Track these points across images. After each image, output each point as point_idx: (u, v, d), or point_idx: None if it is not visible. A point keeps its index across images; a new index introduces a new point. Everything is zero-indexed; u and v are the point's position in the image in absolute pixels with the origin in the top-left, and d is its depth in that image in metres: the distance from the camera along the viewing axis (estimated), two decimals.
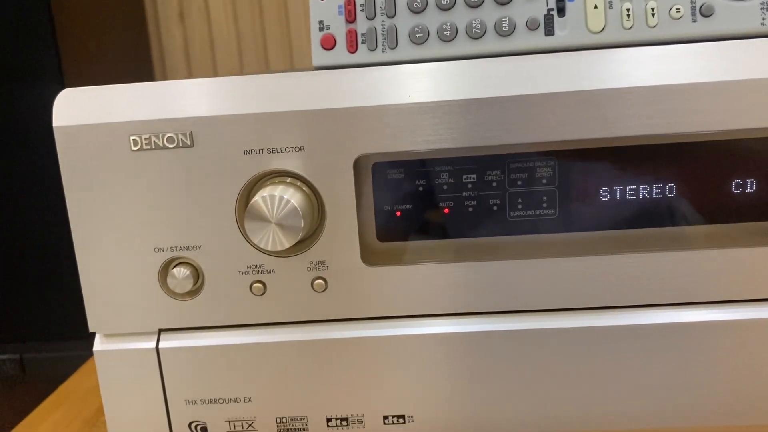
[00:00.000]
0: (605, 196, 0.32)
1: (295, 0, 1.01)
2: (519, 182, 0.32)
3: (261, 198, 0.30)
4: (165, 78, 1.07)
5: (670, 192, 0.32)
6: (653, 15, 0.30)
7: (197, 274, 0.32)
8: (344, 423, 0.34)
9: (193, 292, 0.33)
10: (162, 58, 1.07)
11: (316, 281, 0.32)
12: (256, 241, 0.30)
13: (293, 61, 1.03)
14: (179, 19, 1.06)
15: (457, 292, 0.32)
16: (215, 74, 1.07)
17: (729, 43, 0.29)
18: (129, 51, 0.99)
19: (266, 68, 1.04)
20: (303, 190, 0.31)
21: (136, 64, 1.01)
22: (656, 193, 0.32)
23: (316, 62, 0.32)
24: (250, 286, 0.32)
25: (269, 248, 0.29)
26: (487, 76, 0.30)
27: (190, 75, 1.07)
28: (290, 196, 0.30)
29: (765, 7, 0.30)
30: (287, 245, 0.29)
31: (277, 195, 0.29)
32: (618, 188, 0.32)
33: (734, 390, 0.32)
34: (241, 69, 1.05)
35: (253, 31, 1.04)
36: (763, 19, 0.30)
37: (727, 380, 0.32)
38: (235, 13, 1.04)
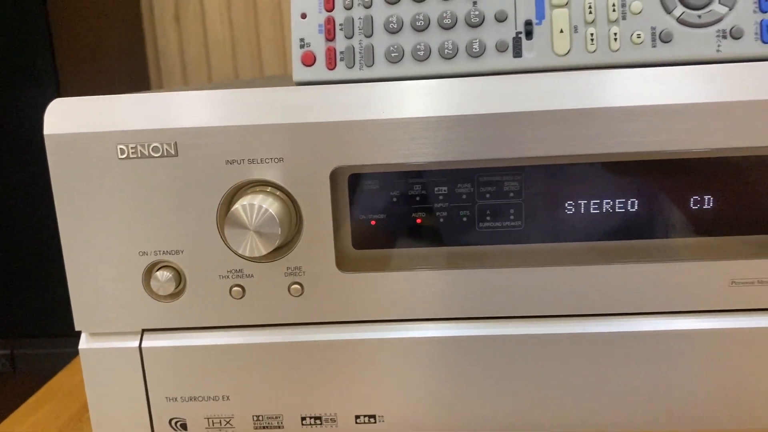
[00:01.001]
0: (570, 210, 0.33)
1: (289, 4, 1.02)
2: (487, 195, 0.34)
3: (241, 206, 0.31)
4: (160, 80, 1.09)
5: (633, 207, 0.34)
6: (616, 40, 0.31)
7: (179, 277, 0.34)
8: (318, 422, 0.36)
9: (175, 295, 0.34)
10: (157, 61, 1.08)
11: (293, 286, 0.34)
12: (234, 247, 0.31)
13: (287, 65, 1.05)
14: (175, 21, 1.07)
15: (428, 298, 0.34)
16: (210, 77, 1.09)
17: (687, 68, 0.31)
18: (125, 54, 1.00)
19: (260, 71, 1.06)
20: (282, 199, 0.32)
21: (132, 67, 1.03)
22: (620, 208, 0.34)
23: (296, 78, 0.33)
24: (230, 290, 0.34)
25: (247, 254, 0.31)
26: (458, 94, 0.32)
27: (185, 77, 1.09)
28: (269, 205, 0.31)
29: (720, 35, 0.31)
30: (264, 252, 0.31)
31: (256, 204, 0.31)
32: (582, 202, 0.34)
33: (708, 395, 0.34)
34: (235, 71, 1.07)
35: (247, 34, 1.05)
36: (719, 46, 0.31)
37: (700, 386, 0.34)
38: (230, 16, 1.06)
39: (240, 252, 0.31)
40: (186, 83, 1.09)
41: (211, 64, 1.08)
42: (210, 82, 1.08)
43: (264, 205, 0.31)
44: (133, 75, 1.03)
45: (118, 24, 0.98)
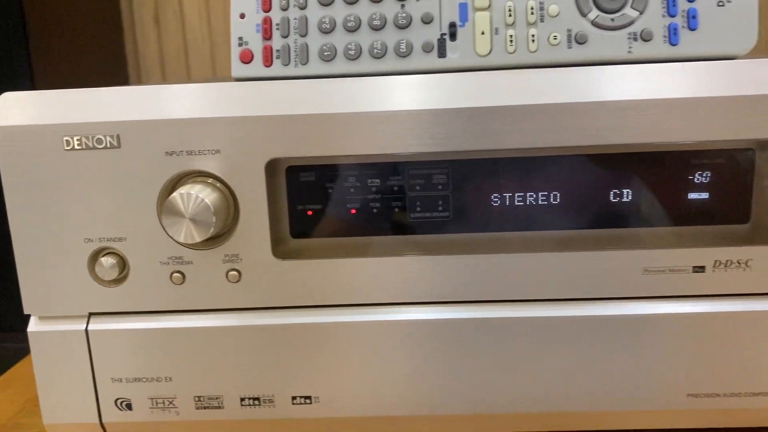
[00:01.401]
0: (496, 202, 0.35)
1: None
2: (417, 187, 0.36)
3: (178, 194, 0.33)
4: (140, 80, 1.10)
5: (555, 199, 0.36)
6: (533, 41, 0.33)
7: (123, 263, 0.36)
8: (256, 402, 0.37)
9: (120, 280, 0.36)
10: (137, 62, 1.10)
11: (231, 272, 0.35)
12: (171, 234, 0.33)
13: None
14: (154, 22, 1.09)
15: (362, 284, 0.36)
16: (189, 77, 1.10)
17: (598, 68, 0.33)
18: (103, 54, 1.01)
19: None
20: (219, 189, 0.34)
21: (111, 67, 1.04)
22: (543, 200, 0.36)
23: (234, 74, 0.35)
24: (171, 276, 0.36)
25: (182, 241, 0.33)
26: (387, 91, 0.34)
27: (164, 78, 1.10)
28: (205, 195, 0.33)
29: (631, 37, 0.33)
30: (198, 239, 0.33)
31: (193, 193, 0.33)
32: (508, 195, 0.36)
33: (624, 377, 0.36)
34: (213, 72, 1.09)
35: (225, 35, 1.07)
36: (630, 47, 0.33)
37: (616, 368, 0.36)
38: (209, 17, 1.07)
39: (175, 238, 0.33)
40: (165, 83, 1.10)
41: (189, 64, 1.10)
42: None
43: (201, 195, 0.33)
44: (112, 75, 1.04)
45: (96, 25, 0.99)
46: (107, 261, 0.35)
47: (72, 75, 0.88)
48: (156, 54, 1.10)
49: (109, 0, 1.04)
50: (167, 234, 0.34)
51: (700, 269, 0.35)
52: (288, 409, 0.37)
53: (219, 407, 0.37)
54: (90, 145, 0.34)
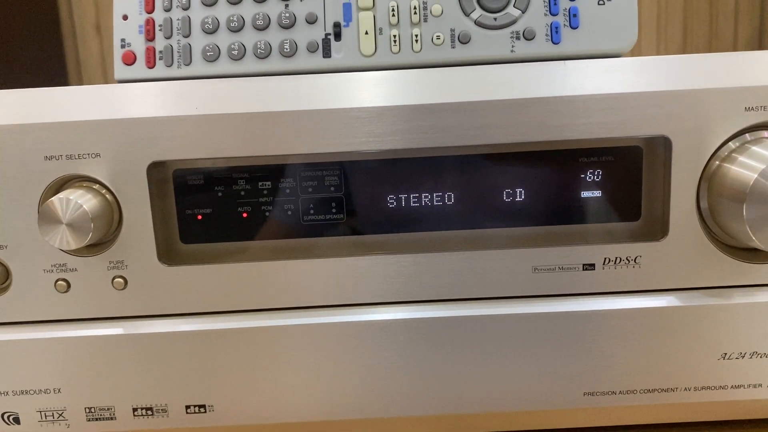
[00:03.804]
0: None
1: None
2: (310, 189, 0.35)
3: (57, 199, 0.32)
4: None
5: (450, 200, 0.36)
6: (417, 41, 0.33)
7: (6, 271, 0.34)
8: (149, 412, 0.36)
9: (2, 290, 0.35)
10: (78, 71, 1.08)
11: (116, 279, 0.34)
12: (48, 240, 0.32)
13: None
14: (96, 31, 1.08)
15: (256, 289, 0.35)
16: None
17: (483, 67, 0.33)
18: (41, 64, 1.00)
19: None
20: (102, 194, 0.33)
21: (50, 76, 1.02)
22: (438, 201, 0.36)
23: (117, 76, 0.35)
24: (55, 284, 0.35)
25: (57, 247, 0.32)
26: (269, 91, 0.33)
27: None
28: (85, 200, 0.32)
29: (514, 36, 0.33)
30: (75, 246, 0.32)
31: (72, 198, 0.32)
32: (392, 197, 0.36)
33: (515, 377, 0.36)
34: None
35: None
36: (513, 46, 0.33)
37: (507, 368, 0.35)
38: None
39: (52, 245, 0.32)
40: None
41: None
42: None
43: (79, 201, 0.32)
44: (51, 85, 1.02)
45: (34, 35, 0.97)
46: None
47: (7, 85, 0.87)
48: (98, 62, 1.08)
49: (48, 10, 1.02)
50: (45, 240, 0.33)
51: (590, 267, 0.35)
52: (183, 419, 0.36)
53: (111, 418, 0.36)
54: None
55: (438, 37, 0.33)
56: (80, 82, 1.09)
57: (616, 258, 0.35)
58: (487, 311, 0.35)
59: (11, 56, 0.88)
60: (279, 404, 0.36)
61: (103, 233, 0.33)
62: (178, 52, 0.34)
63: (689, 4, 0.89)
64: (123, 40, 0.34)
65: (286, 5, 0.34)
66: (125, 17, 0.34)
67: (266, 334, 0.35)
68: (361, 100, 0.33)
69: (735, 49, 0.87)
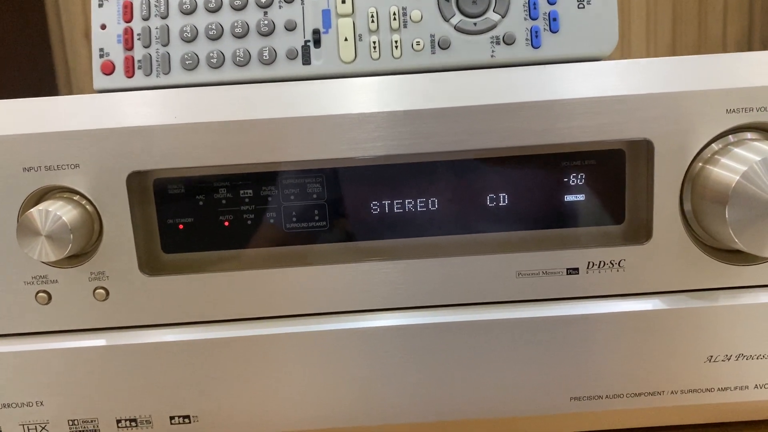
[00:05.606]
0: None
1: None
2: (292, 197, 0.35)
3: (36, 211, 0.32)
4: None
5: (433, 205, 0.35)
6: (397, 47, 0.33)
7: None
8: (133, 424, 0.36)
9: None
10: (68, 78, 1.08)
11: (97, 291, 0.34)
12: (26, 252, 0.32)
13: None
14: (85, 38, 1.07)
15: (239, 298, 0.35)
16: None
17: (465, 73, 0.33)
18: (31, 71, 0.99)
19: None
20: (81, 205, 0.33)
21: (40, 84, 1.02)
22: (422, 206, 0.35)
23: (96, 86, 0.34)
24: (36, 296, 0.34)
25: (37, 259, 0.32)
26: (249, 100, 0.33)
27: None
28: (65, 212, 0.32)
29: (494, 41, 0.33)
30: (54, 258, 0.32)
31: (51, 210, 0.32)
32: (386, 203, 0.35)
33: (500, 383, 0.35)
34: None
35: None
36: (493, 51, 0.33)
37: (492, 375, 0.35)
38: None
39: (31, 256, 0.32)
40: None
41: None
42: None
43: (59, 212, 0.32)
44: (40, 93, 1.02)
45: (22, 42, 0.97)
46: None
47: None
48: (88, 69, 1.08)
49: (37, 17, 1.02)
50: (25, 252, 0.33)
51: (574, 271, 0.35)
52: (167, 430, 0.36)
53: (95, 430, 0.36)
54: None
55: (418, 43, 0.33)
56: (70, 90, 1.08)
57: (600, 262, 0.34)
58: (470, 317, 0.35)
59: (0, 64, 0.87)
60: (264, 414, 0.36)
61: (84, 244, 0.33)
62: (157, 61, 0.34)
63: (678, 4, 0.89)
64: (102, 49, 0.34)
65: (265, 12, 0.33)
66: (103, 26, 0.34)
67: (250, 343, 0.35)
68: (342, 107, 0.33)
69: (724, 49, 0.88)
